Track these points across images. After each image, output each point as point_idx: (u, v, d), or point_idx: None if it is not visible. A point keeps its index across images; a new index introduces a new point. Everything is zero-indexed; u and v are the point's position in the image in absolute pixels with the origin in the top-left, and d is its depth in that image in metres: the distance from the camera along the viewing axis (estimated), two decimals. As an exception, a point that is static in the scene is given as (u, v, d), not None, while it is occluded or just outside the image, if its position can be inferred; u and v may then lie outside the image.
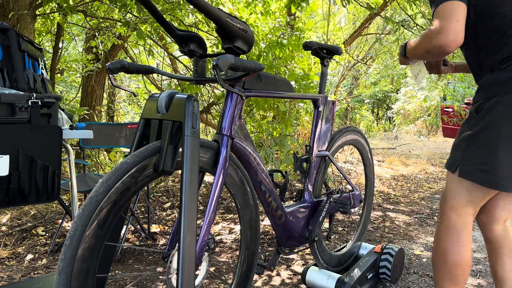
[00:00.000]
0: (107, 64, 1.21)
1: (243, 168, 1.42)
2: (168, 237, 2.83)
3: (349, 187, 2.11)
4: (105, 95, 8.05)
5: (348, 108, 11.87)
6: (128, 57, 7.48)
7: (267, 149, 4.34)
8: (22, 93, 1.57)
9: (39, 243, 2.67)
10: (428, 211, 3.68)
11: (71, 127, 1.74)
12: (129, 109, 10.24)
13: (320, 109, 1.80)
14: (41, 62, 1.99)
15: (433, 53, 1.30)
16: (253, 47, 4.72)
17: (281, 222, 1.59)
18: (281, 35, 5.09)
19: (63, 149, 1.75)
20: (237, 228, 3.01)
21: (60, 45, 5.34)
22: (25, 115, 1.50)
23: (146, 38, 4.84)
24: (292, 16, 6.36)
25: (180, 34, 1.25)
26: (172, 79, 8.23)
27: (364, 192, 2.33)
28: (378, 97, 18.50)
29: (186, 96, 1.15)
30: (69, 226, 2.98)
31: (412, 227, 3.17)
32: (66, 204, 2.79)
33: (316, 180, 1.80)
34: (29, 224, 2.98)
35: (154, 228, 3.02)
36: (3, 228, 2.90)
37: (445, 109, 8.23)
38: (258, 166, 1.46)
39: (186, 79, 1.37)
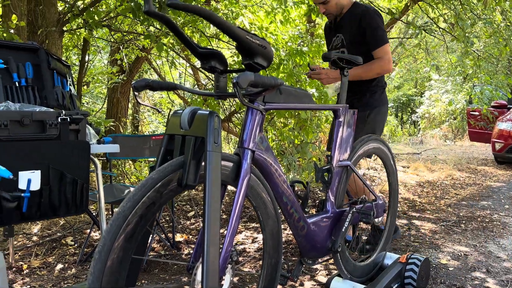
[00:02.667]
0: (132, 83, 1.26)
1: (264, 180, 1.44)
2: (192, 246, 2.87)
3: (372, 196, 2.09)
4: (129, 106, 8.25)
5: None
6: (152, 68, 7.65)
7: (289, 157, 4.34)
8: (52, 110, 1.64)
9: (68, 252, 2.75)
10: (454, 219, 3.60)
11: (99, 142, 1.80)
12: (153, 119, 10.44)
13: (340, 119, 1.81)
14: (69, 78, 2.07)
15: (381, 75, 2.36)
16: (273, 55, 4.75)
17: (303, 233, 1.59)
18: (301, 43, 5.11)
19: (91, 163, 1.81)
20: (260, 237, 3.02)
21: (86, 59, 5.51)
22: (55, 132, 1.57)
23: (169, 50, 4.95)
24: (312, 23, 6.37)
25: (202, 52, 1.28)
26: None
27: (388, 201, 2.31)
28: (401, 101, 18.23)
29: (208, 112, 1.18)
30: (96, 235, 3.07)
31: (439, 235, 3.11)
32: (94, 214, 2.87)
33: (338, 190, 1.80)
34: (58, 234, 3.08)
35: (179, 237, 3.07)
36: (34, 238, 3.01)
37: (471, 112, 8.04)
38: (280, 178, 1.48)
39: (208, 94, 1.40)
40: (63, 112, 1.59)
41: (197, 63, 6.77)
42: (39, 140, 1.53)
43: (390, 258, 2.21)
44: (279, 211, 1.50)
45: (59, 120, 1.57)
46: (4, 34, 3.53)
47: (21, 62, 1.89)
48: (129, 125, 8.42)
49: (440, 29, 5.50)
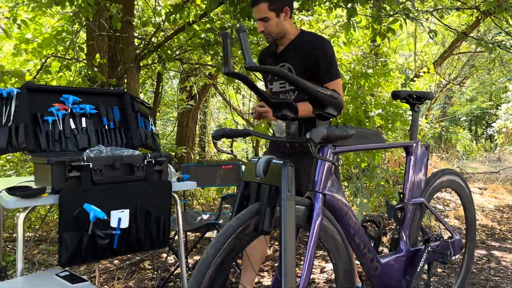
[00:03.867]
0: (211, 133, 1.37)
1: (336, 222, 1.47)
2: (261, 274, 2.93)
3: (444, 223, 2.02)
4: (197, 128, 8.66)
5: (442, 131, 11.18)
6: (217, 93, 7.98)
7: (355, 182, 4.28)
8: (138, 152, 1.81)
9: (146, 277, 2.94)
10: (542, 250, 3.32)
11: (178, 179, 1.94)
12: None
13: (412, 156, 1.79)
14: (151, 119, 2.25)
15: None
16: (343, 104, 4.76)
17: (377, 274, 1.59)
18: (365, 64, 5.06)
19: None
20: (329, 266, 3.01)
21: (160, 89, 5.89)
22: (142, 173, 1.72)
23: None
24: (376, 42, 6.29)
25: (274, 102, 1.36)
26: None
27: (465, 235, 2.21)
28: (475, 114, 17.16)
29: (282, 162, 1.24)
30: (171, 260, 3.24)
31: (523, 269, 2.89)
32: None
33: (412, 229, 1.77)
34: (137, 258, 3.29)
35: (248, 263, 3.14)
36: (116, 261, 3.24)
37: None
38: (351, 219, 1.50)
39: (279, 140, 1.47)
40: (149, 155, 1.75)
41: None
42: (128, 182, 1.69)
43: (469, 296, 2.11)
44: (352, 251, 1.51)
45: (145, 162, 1.73)
46: (89, 72, 3.91)
47: (110, 106, 2.11)
48: (196, 146, 8.82)
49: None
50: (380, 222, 1.64)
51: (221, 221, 2.74)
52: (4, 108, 1.82)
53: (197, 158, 7.69)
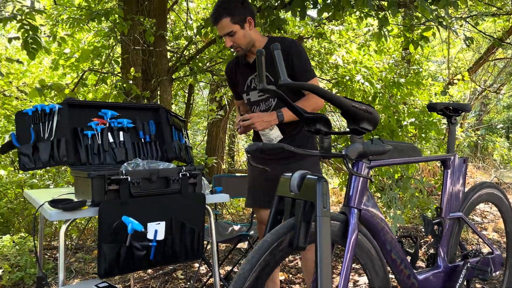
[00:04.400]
0: (245, 148, 1.39)
1: (371, 237, 1.45)
2: (292, 287, 2.91)
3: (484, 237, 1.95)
4: (226, 137, 8.75)
5: (478, 139, 10.79)
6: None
7: (388, 193, 4.20)
8: (173, 165, 1.85)
9: (179, 286, 2.98)
10: None
11: (211, 192, 1.97)
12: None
13: (449, 169, 1.75)
14: (184, 132, 2.30)
15: (315, 111, 1.97)
16: (368, 88, 4.70)
17: (414, 291, 1.55)
18: (397, 73, 4.98)
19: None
20: (362, 280, 2.95)
21: (191, 101, 5.99)
22: (177, 186, 1.76)
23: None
24: (408, 50, 6.19)
25: (307, 116, 1.37)
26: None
27: (506, 248, 2.12)
28: (513, 121, 16.49)
29: (316, 177, 1.24)
30: (203, 269, 3.27)
31: None
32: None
33: (450, 244, 1.72)
34: (170, 267, 3.34)
35: (280, 275, 3.13)
36: (149, 271, 3.30)
37: None
38: (387, 235, 1.47)
39: (313, 155, 1.47)
40: (183, 168, 1.78)
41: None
42: (164, 194, 1.73)
43: (512, 315, 2.02)
44: (388, 268, 1.49)
45: (180, 175, 1.77)
46: (124, 85, 4.03)
47: (145, 120, 2.17)
48: (225, 156, 8.90)
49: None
50: (417, 238, 1.61)
51: (251, 232, 2.75)
52: (47, 123, 1.90)
53: (227, 167, 7.76)
